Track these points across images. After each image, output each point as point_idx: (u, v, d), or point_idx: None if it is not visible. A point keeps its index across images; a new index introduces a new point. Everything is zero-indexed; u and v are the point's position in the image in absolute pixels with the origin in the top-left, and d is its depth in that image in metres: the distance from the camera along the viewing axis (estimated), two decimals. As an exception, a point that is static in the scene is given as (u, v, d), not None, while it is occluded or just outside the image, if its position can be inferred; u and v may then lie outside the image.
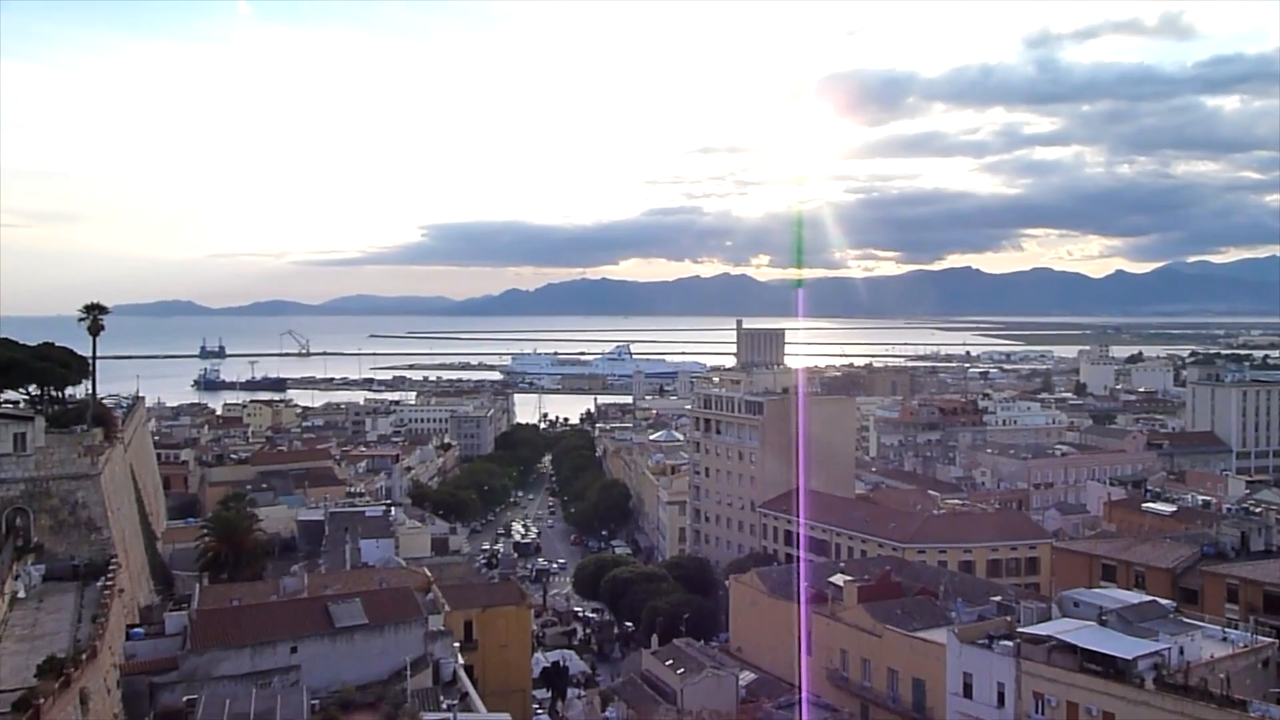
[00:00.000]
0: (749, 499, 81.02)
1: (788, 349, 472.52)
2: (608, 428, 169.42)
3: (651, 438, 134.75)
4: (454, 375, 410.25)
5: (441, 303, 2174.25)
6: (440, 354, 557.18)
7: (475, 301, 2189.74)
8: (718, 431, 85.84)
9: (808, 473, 77.55)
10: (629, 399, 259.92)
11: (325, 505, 71.26)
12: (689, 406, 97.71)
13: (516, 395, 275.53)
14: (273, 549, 62.79)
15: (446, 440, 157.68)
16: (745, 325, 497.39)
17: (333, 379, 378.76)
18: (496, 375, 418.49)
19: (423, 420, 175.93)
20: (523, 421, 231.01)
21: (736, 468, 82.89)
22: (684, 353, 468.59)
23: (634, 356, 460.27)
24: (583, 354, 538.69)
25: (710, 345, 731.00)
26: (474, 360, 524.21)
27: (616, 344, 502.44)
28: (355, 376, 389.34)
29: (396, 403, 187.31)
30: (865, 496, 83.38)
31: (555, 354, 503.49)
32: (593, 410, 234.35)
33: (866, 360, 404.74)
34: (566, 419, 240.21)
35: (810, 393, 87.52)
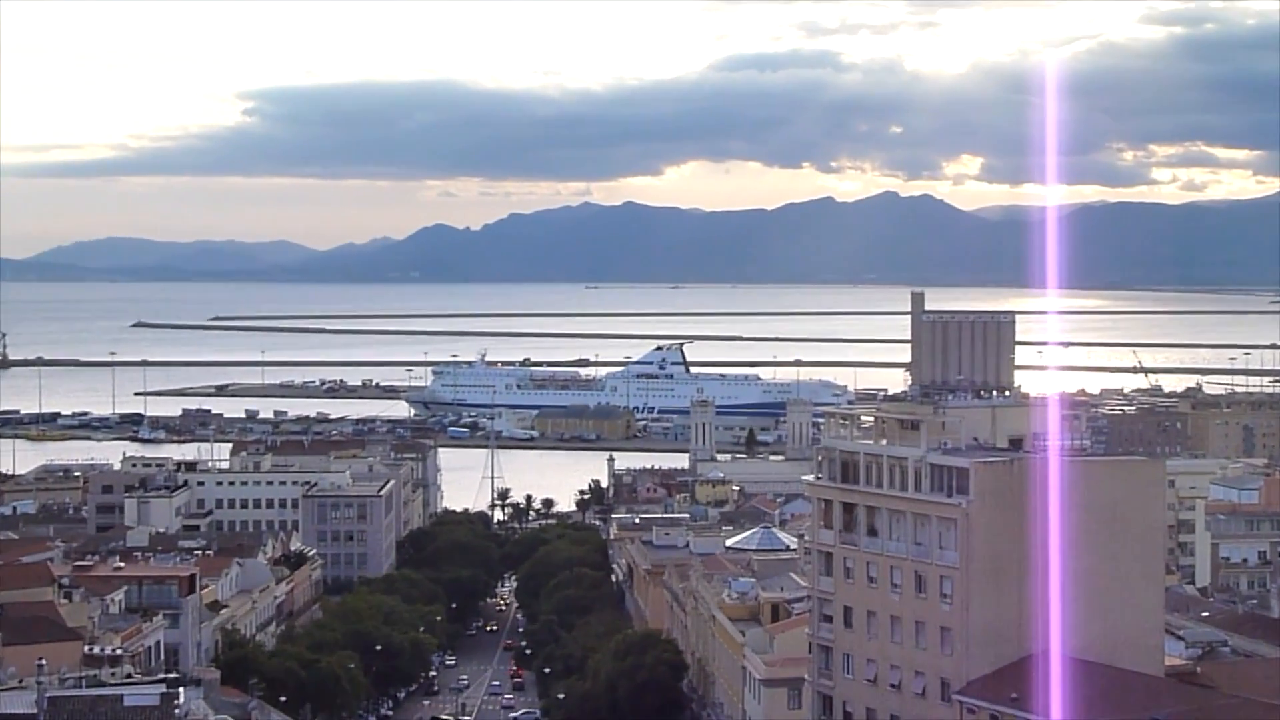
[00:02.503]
0: (939, 674, 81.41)
1: (1020, 352, 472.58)
2: (635, 519, 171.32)
3: (730, 544, 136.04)
4: (314, 409, 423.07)
5: (288, 253, 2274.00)
6: (286, 364, 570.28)
7: (359, 252, 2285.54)
8: (871, 531, 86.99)
9: (1066, 622, 78.07)
10: (682, 458, 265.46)
11: (40, 685, 67.71)
12: (810, 477, 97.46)
13: (444, 451, 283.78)
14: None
15: (297, 547, 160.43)
16: (929, 305, 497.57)
17: (58, 418, 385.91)
18: (403, 410, 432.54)
19: (247, 506, 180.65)
20: (455, 508, 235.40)
21: (911, 608, 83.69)
22: (799, 363, 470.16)
23: (691, 370, 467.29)
24: (584, 363, 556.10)
25: (855, 344, 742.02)
26: (356, 379, 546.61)
27: (657, 343, 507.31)
28: (104, 412, 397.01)
29: (191, 467, 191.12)
30: (1189, 674, 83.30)
31: (525, 364, 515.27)
32: (605, 482, 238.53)
33: (1194, 379, 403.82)
34: (549, 502, 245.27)
35: (1074, 449, 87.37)
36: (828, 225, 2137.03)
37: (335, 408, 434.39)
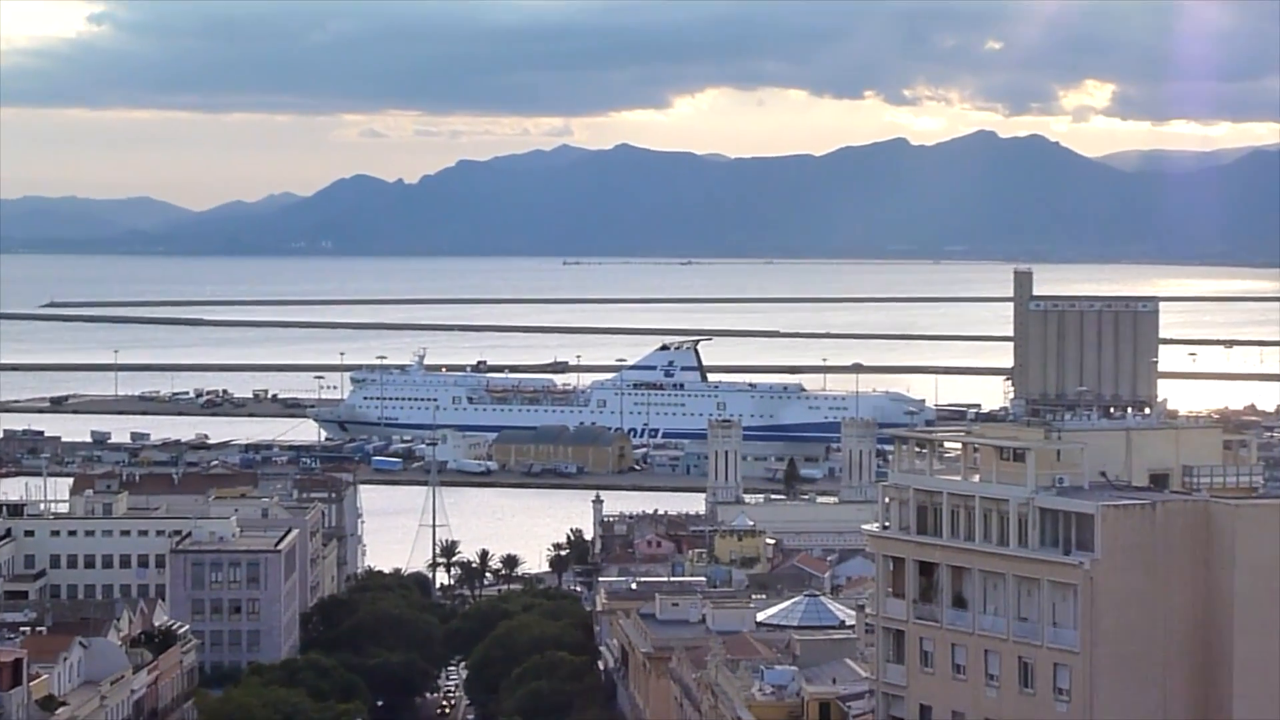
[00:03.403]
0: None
1: (1166, 354, 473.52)
2: (632, 583, 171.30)
3: (763, 618, 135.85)
4: (188, 430, 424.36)
5: (152, 214, 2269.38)
6: (149, 369, 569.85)
7: (251, 214, 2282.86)
8: (957, 602, 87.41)
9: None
10: (697, 500, 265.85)
11: None
12: (872, 527, 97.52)
13: (368, 490, 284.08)
14: None
15: (163, 622, 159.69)
16: (1040, 289, 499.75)
17: None
18: (310, 432, 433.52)
19: (93, 565, 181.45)
20: (383, 568, 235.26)
21: (1014, 709, 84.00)
22: (858, 368, 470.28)
23: (709, 378, 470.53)
24: (561, 368, 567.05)
25: (936, 343, 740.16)
26: (245, 389, 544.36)
27: (661, 341, 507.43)
28: None
29: (15, 511, 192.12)
30: None
31: (480, 370, 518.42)
32: (590, 533, 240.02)
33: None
34: (512, 560, 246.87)
35: (1240, 488, 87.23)
36: (899, 178, 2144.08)
37: (217, 429, 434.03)
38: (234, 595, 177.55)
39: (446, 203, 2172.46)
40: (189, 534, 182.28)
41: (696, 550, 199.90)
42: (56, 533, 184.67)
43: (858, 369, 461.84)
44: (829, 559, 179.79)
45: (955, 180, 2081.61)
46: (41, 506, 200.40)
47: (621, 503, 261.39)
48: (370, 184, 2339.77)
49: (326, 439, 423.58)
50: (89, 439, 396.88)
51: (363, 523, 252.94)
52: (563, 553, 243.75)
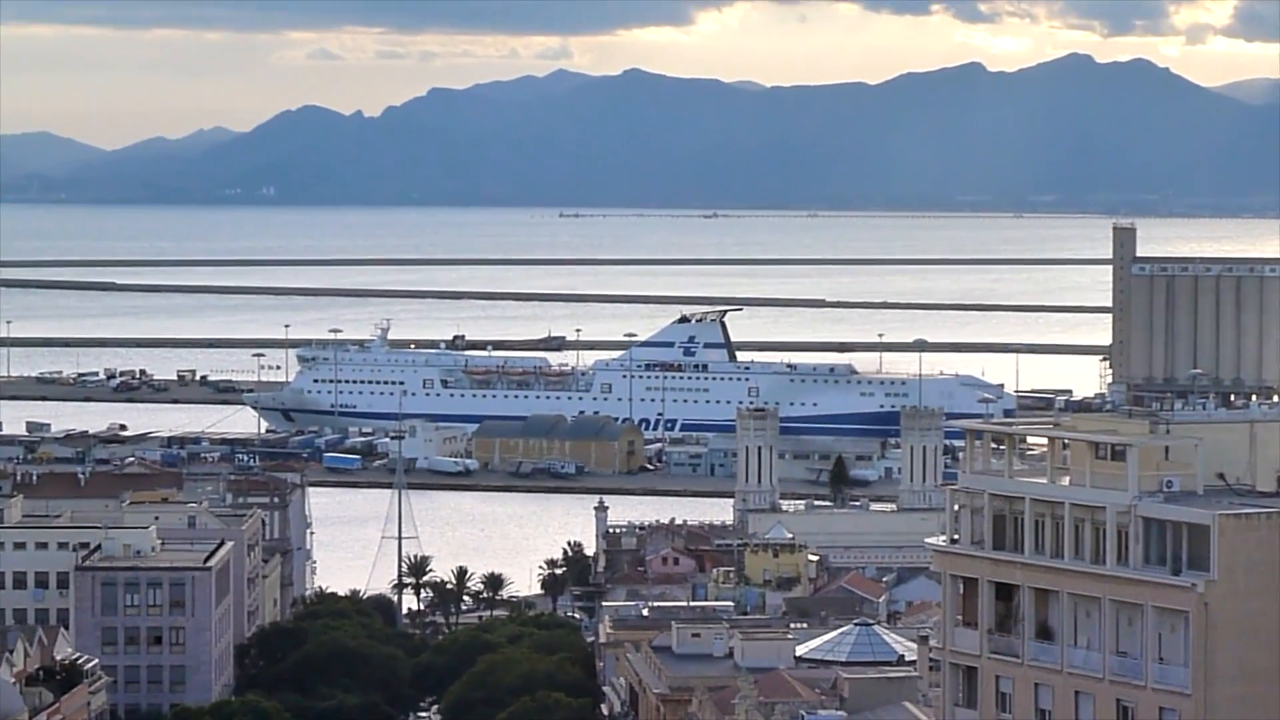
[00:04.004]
0: None
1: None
2: (643, 609, 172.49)
3: (804, 652, 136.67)
4: (98, 420, 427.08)
5: (51, 153, 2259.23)
6: (48, 344, 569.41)
7: (173, 153, 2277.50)
8: (1042, 633, 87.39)
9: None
10: (723, 506, 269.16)
11: None
12: (938, 540, 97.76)
13: (319, 494, 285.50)
14: None
15: (68, 655, 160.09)
16: (1144, 249, 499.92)
17: None
18: (248, 421, 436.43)
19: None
20: (337, 589, 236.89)
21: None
22: (921, 345, 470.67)
23: (738, 358, 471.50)
24: (556, 344, 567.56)
25: (1017, 315, 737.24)
26: (168, 369, 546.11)
27: (680, 312, 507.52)
28: None
29: None
30: None
31: (456, 346, 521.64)
32: (591, 547, 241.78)
33: None
34: (496, 580, 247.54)
35: None
36: (973, 111, 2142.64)
37: (133, 417, 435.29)
38: (153, 623, 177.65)
39: (416, 140, 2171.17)
40: (98, 547, 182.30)
41: (722, 569, 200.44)
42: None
43: (921, 346, 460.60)
44: (885, 580, 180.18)
45: (1042, 115, 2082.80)
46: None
47: (631, 510, 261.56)
48: (322, 117, 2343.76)
49: (268, 431, 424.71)
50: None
51: (313, 534, 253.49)
52: (558, 571, 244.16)
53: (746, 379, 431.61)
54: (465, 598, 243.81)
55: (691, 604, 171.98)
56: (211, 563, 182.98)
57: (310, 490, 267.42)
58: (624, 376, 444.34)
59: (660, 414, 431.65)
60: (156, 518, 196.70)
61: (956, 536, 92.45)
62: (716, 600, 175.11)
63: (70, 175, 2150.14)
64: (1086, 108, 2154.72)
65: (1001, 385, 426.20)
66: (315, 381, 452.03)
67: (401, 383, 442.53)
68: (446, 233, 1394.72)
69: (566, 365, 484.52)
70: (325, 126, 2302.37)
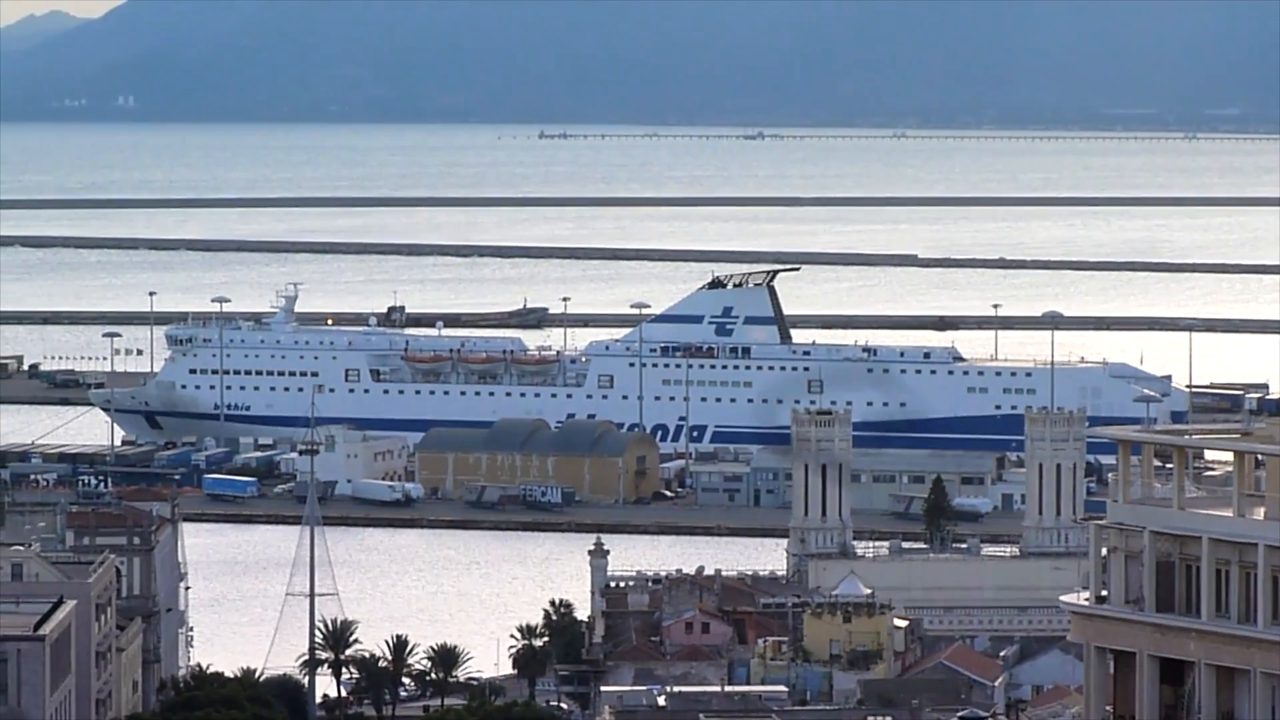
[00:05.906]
0: None
1: None
2: (658, 695, 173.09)
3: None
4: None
5: None
6: None
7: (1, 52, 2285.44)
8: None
9: None
10: (772, 549, 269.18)
11: None
12: (1079, 598, 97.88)
13: (195, 531, 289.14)
14: None
15: None
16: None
17: None
18: (98, 427, 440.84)
19: None
20: (223, 668, 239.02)
21: None
22: (1055, 321, 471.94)
23: (791, 337, 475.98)
24: (535, 318, 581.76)
25: (1187, 278, 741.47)
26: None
27: (711, 271, 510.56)
28: None
29: None
30: None
31: (392, 321, 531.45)
32: (585, 609, 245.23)
33: None
34: (448, 654, 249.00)
35: None
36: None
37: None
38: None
39: (334, 32, 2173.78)
40: None
41: (772, 639, 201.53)
42: None
43: (1054, 321, 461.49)
44: (1002, 655, 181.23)
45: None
46: None
47: (641, 555, 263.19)
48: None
49: (125, 442, 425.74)
50: None
51: (188, 589, 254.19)
52: (538, 643, 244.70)
53: (805, 367, 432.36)
54: (405, 680, 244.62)
55: (728, 689, 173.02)
56: (44, 630, 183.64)
57: (186, 527, 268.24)
58: (630, 364, 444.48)
59: (683, 418, 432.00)
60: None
61: (1104, 593, 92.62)
62: (763, 684, 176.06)
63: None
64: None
65: (1168, 378, 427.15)
66: (192, 373, 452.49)
67: (314, 373, 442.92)
68: (377, 160, 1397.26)
69: (549, 349, 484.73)
70: (204, 12, 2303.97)
